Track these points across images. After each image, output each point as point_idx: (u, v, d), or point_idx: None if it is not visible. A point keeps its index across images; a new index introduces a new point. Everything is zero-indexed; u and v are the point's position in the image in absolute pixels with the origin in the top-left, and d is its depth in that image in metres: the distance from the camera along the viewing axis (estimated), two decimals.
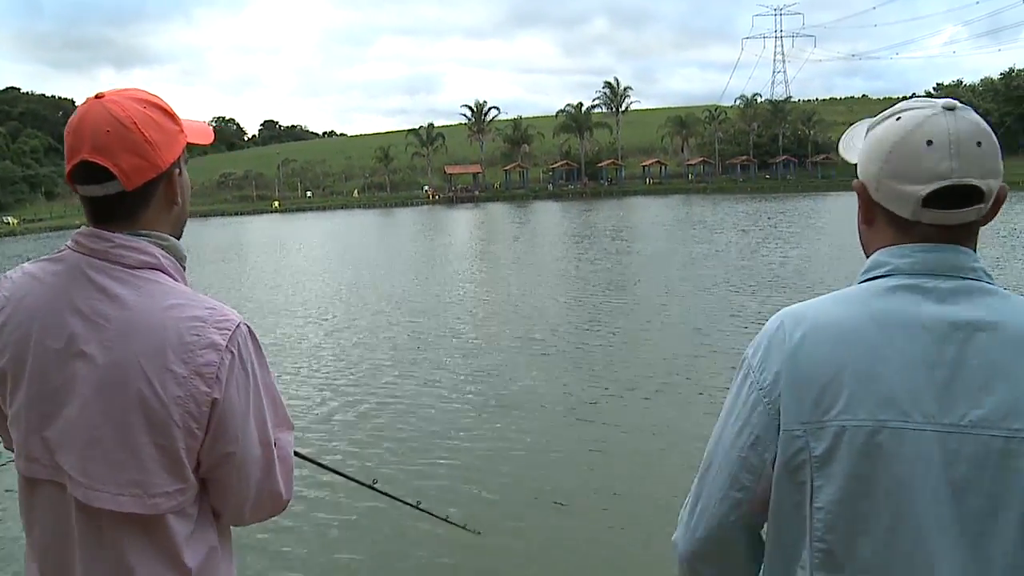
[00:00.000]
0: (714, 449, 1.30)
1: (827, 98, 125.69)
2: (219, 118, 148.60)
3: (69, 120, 1.46)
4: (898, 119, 1.22)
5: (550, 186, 79.69)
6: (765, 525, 1.30)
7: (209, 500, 1.54)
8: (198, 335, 1.41)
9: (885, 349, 1.15)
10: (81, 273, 1.45)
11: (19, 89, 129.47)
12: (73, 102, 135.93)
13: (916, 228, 1.21)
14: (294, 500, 1.71)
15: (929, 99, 1.23)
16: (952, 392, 1.13)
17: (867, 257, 1.29)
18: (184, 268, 1.57)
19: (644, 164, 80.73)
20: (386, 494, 2.99)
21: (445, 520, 3.27)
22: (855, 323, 1.18)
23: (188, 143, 1.57)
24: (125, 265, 1.44)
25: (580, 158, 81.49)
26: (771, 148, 77.76)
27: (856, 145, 1.32)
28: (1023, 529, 1.09)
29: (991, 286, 1.20)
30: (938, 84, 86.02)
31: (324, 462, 2.97)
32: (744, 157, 79.27)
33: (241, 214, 75.04)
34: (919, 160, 1.17)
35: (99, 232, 1.45)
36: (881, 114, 1.28)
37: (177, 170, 1.53)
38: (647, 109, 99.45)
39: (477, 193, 78.56)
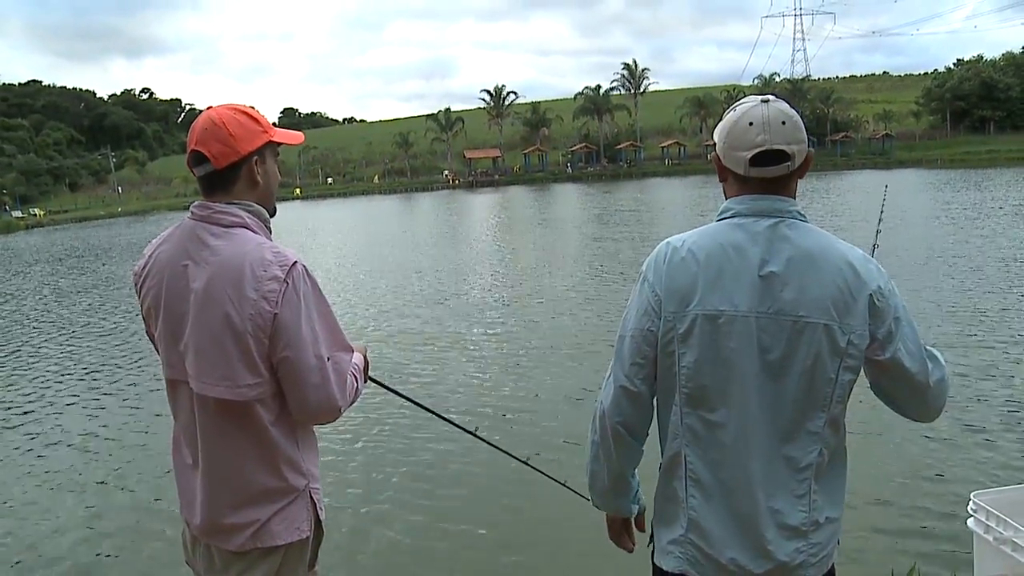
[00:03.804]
0: (623, 331, 1.84)
1: (847, 76, 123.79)
2: None
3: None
4: (734, 110, 1.78)
5: (569, 169, 79.72)
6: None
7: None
8: (265, 271, 1.92)
9: (725, 264, 1.71)
10: (193, 233, 2.00)
11: (40, 82, 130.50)
12: (94, 93, 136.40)
13: (749, 182, 1.77)
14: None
15: (755, 96, 1.78)
16: (764, 291, 1.68)
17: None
18: (269, 229, 2.07)
19: (663, 145, 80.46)
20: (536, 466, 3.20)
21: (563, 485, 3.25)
22: (708, 248, 1.75)
23: (278, 142, 2.09)
24: (221, 225, 1.99)
25: (599, 140, 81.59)
26: None
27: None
28: (801, 375, 1.69)
29: (800, 222, 1.74)
30: (958, 60, 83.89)
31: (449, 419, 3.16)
32: None
33: None
34: (745, 135, 1.73)
35: (205, 203, 2.01)
36: (727, 109, 1.82)
37: (256, 158, 2.02)
38: (665, 90, 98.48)
39: (497, 177, 78.80)
